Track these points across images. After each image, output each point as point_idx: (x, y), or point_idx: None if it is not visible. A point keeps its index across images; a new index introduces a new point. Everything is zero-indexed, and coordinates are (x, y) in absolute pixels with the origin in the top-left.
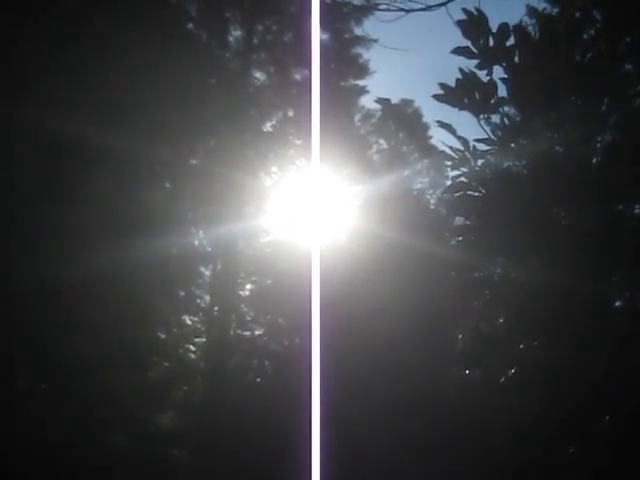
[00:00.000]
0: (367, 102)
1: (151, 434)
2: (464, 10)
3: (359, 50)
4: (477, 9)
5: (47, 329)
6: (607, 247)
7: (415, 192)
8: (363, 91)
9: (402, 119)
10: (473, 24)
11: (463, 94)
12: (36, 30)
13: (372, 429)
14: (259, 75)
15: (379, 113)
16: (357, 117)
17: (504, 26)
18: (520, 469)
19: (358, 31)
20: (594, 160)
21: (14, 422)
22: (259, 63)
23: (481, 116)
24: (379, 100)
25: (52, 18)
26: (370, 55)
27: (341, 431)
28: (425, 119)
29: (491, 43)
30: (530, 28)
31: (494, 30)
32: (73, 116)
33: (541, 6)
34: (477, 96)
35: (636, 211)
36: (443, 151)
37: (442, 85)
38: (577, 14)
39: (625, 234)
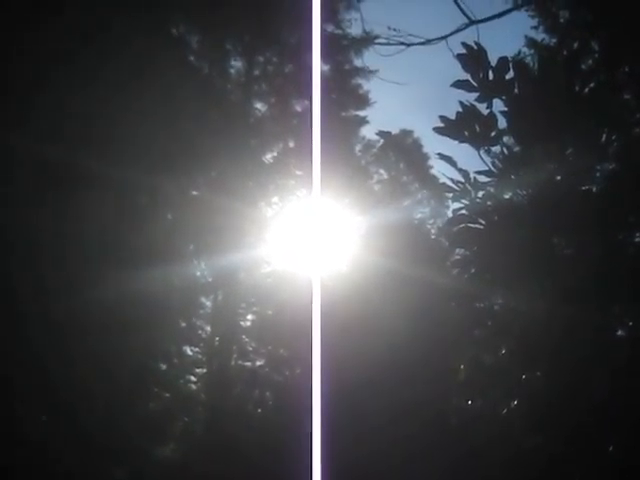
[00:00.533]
0: (367, 132)
1: (152, 466)
2: (464, 44)
3: (359, 81)
4: (476, 43)
5: (48, 359)
6: (608, 277)
7: (416, 222)
8: (363, 121)
9: (402, 149)
10: (473, 58)
11: (463, 127)
12: (31, 56)
13: (373, 460)
14: (260, 106)
15: (379, 143)
16: (358, 147)
17: (503, 60)
18: None
19: (358, 62)
20: (594, 190)
21: (14, 453)
22: (260, 94)
23: (481, 148)
24: (380, 133)
25: (54, 44)
26: (370, 86)
27: (343, 461)
28: (425, 149)
29: (491, 76)
30: (529, 59)
31: (493, 63)
32: (74, 146)
33: (539, 37)
34: (477, 129)
35: (636, 239)
36: (444, 183)
37: (442, 118)
38: (575, 44)
39: (626, 263)
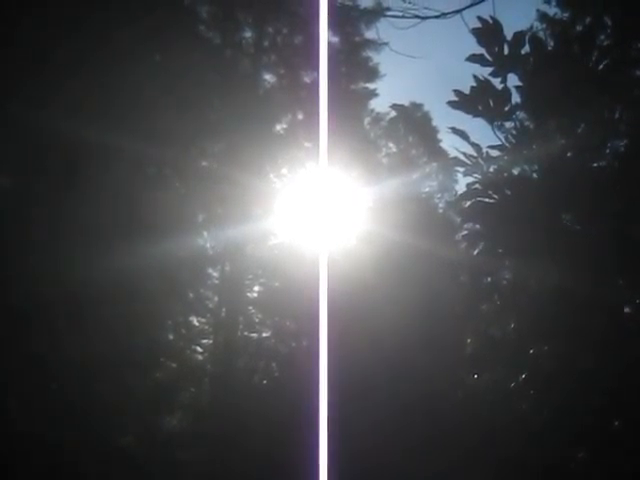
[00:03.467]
0: (377, 105)
1: (158, 435)
2: (479, 18)
3: (369, 53)
4: (492, 17)
5: (58, 329)
6: (620, 252)
7: (424, 195)
8: (373, 94)
9: (411, 123)
10: (488, 32)
11: (477, 101)
12: (41, 24)
13: (379, 431)
14: (269, 77)
15: (389, 116)
16: (367, 120)
17: (519, 35)
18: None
19: (369, 34)
20: (606, 165)
21: (21, 422)
22: (269, 65)
23: (495, 123)
24: (394, 106)
25: (60, 15)
26: (382, 59)
27: (348, 432)
28: (435, 122)
29: (506, 51)
30: (541, 33)
31: (509, 38)
32: (86, 118)
33: (552, 11)
34: (491, 103)
35: None
36: (456, 157)
37: (457, 92)
38: (588, 19)
39: (636, 239)
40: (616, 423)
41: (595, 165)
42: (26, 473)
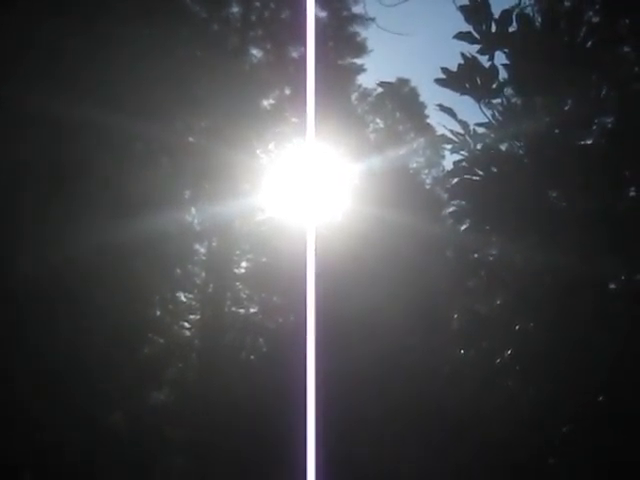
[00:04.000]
0: (364, 81)
1: (146, 410)
2: None
3: (357, 29)
4: None
5: (45, 306)
6: (605, 229)
7: (411, 171)
8: (360, 70)
9: (399, 98)
10: (476, 10)
11: (465, 79)
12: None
13: (366, 408)
14: (256, 52)
15: (376, 92)
16: (354, 96)
17: (506, 12)
18: (519, 458)
19: (357, 9)
20: (593, 143)
21: (6, 399)
22: (256, 40)
23: (482, 101)
24: (382, 83)
25: None
26: (369, 35)
27: (335, 409)
28: (422, 99)
29: (493, 29)
30: (529, 9)
31: (496, 16)
32: (73, 95)
33: None
34: (478, 81)
35: (631, 193)
36: (443, 134)
37: (444, 69)
38: None
39: (622, 216)
40: (601, 399)
41: (582, 143)
42: (11, 449)
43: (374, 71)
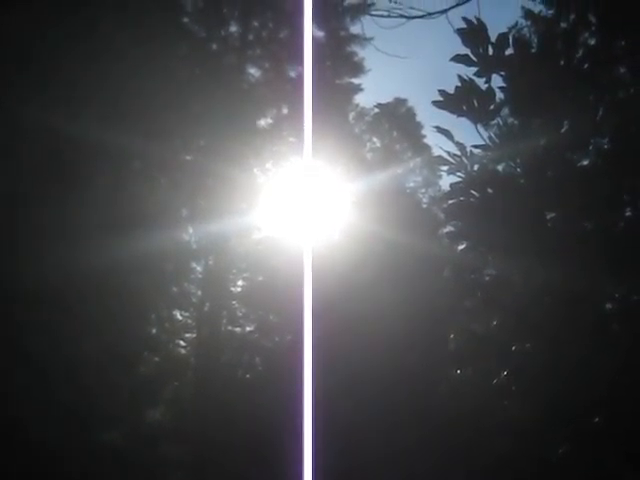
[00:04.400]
0: (362, 100)
1: (142, 430)
2: (464, 19)
3: (354, 48)
4: (477, 18)
5: (34, 326)
6: (602, 250)
7: (408, 190)
8: (358, 89)
9: (396, 118)
10: (473, 33)
11: (462, 101)
12: (26, 26)
13: (364, 426)
14: (254, 71)
15: (373, 112)
16: (351, 115)
17: (503, 36)
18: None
19: (354, 29)
20: (589, 165)
21: (4, 418)
22: (254, 59)
23: (479, 123)
24: (379, 105)
25: (42, 11)
26: (367, 55)
27: (333, 427)
28: (419, 118)
29: (490, 52)
30: (525, 30)
31: (493, 38)
32: (71, 113)
33: (537, 8)
34: (475, 103)
35: (628, 214)
36: (440, 156)
37: (441, 92)
38: (572, 17)
39: (621, 238)
40: (597, 419)
41: (579, 164)
42: (10, 469)
43: (371, 91)
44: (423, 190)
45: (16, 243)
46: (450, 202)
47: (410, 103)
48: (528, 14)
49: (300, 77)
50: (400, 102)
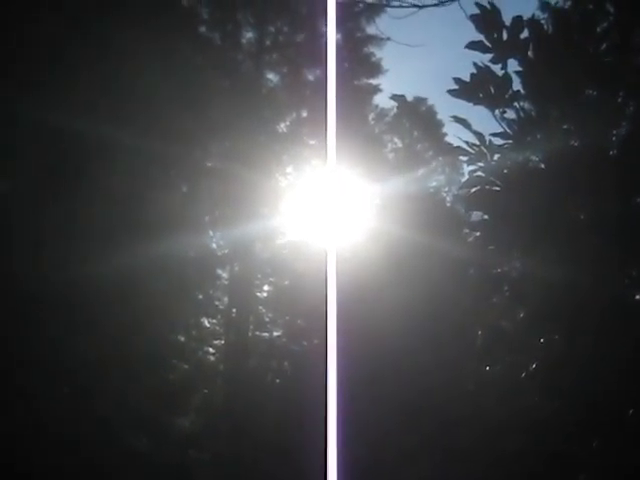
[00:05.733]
0: (381, 101)
1: (171, 437)
2: (477, 4)
3: (372, 49)
4: (490, 3)
5: (64, 333)
6: (626, 241)
7: (431, 190)
8: (377, 90)
9: (416, 117)
10: (486, 18)
11: (478, 89)
12: (45, 27)
13: (389, 429)
14: (272, 76)
15: (393, 111)
16: (371, 116)
17: (518, 19)
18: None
19: (370, 30)
20: (611, 152)
21: (34, 424)
22: (272, 64)
23: (496, 110)
24: (394, 97)
25: (64, 17)
26: (383, 53)
27: (359, 431)
28: (439, 116)
29: (505, 37)
30: (543, 22)
31: (507, 24)
32: (88, 117)
33: (553, 0)
34: (492, 90)
35: None
36: (459, 146)
37: (457, 80)
38: (590, 6)
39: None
40: (630, 411)
41: (598, 152)
42: (41, 472)
43: (391, 90)
44: (446, 189)
45: (40, 247)
46: (472, 191)
47: (430, 98)
48: (544, 5)
49: (318, 80)
50: (420, 101)
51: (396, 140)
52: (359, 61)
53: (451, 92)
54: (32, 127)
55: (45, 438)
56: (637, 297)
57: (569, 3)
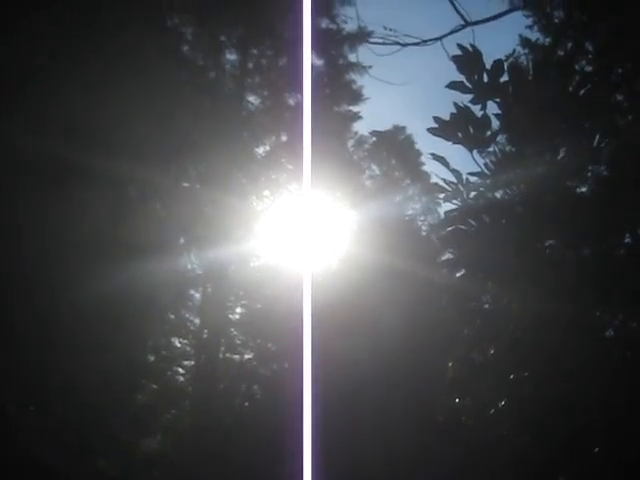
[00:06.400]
0: (360, 128)
1: (138, 459)
2: (459, 46)
3: (353, 76)
4: (472, 45)
5: (33, 353)
6: (600, 279)
7: (407, 218)
8: (356, 117)
9: (394, 146)
10: (468, 60)
11: (457, 128)
12: (20, 40)
13: (363, 455)
14: (253, 99)
15: (372, 139)
16: (350, 143)
17: (498, 63)
18: None
19: (352, 58)
20: (586, 192)
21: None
22: (253, 87)
23: (474, 150)
24: (373, 132)
25: (40, 37)
26: (364, 82)
27: (332, 458)
28: (418, 145)
29: (485, 79)
30: (523, 58)
31: (488, 65)
32: (69, 137)
33: (534, 36)
34: (471, 130)
35: (626, 240)
36: (436, 183)
37: (436, 119)
38: (570, 45)
39: (616, 264)
40: (596, 449)
41: (576, 191)
42: None
43: (370, 118)
44: (422, 218)
45: (10, 268)
46: (448, 230)
47: (409, 130)
48: (525, 42)
49: (299, 105)
50: (398, 130)
51: (374, 167)
52: (340, 88)
53: (430, 130)
54: (10, 144)
55: (7, 456)
56: (610, 334)
57: (549, 40)
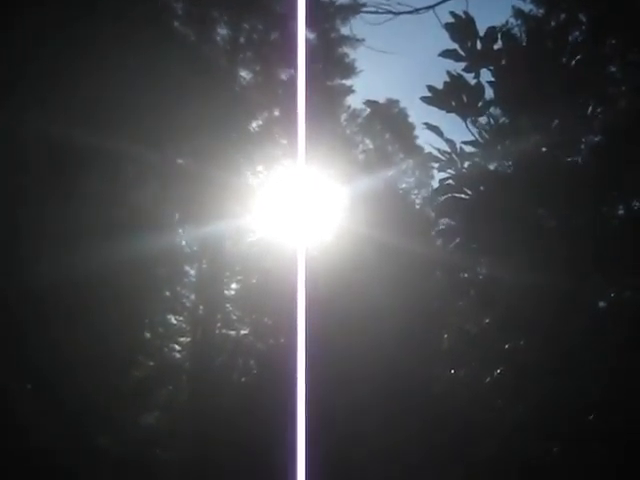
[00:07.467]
0: (353, 102)
1: (135, 434)
2: (452, 13)
3: (346, 50)
4: (465, 12)
5: (31, 329)
6: (592, 247)
7: (400, 192)
8: (349, 91)
9: (388, 119)
10: (461, 27)
11: (451, 97)
12: (17, 29)
13: (358, 427)
14: (245, 74)
15: (365, 113)
16: (343, 117)
17: (492, 30)
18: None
19: (345, 31)
20: (579, 162)
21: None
22: (245, 62)
23: (468, 119)
24: (367, 102)
25: (34, 18)
26: (357, 56)
27: (326, 430)
28: (411, 120)
29: (479, 46)
30: (516, 29)
31: (482, 33)
32: (66, 117)
33: (527, 7)
34: (464, 99)
35: (619, 212)
36: (430, 153)
37: (430, 88)
38: (563, 16)
39: (609, 234)
40: (590, 417)
41: (569, 160)
42: (5, 468)
43: (363, 92)
44: (416, 191)
45: (13, 246)
46: (442, 198)
47: (403, 102)
48: (518, 13)
49: (292, 79)
50: (392, 103)
51: (367, 141)
52: (333, 62)
53: (424, 99)
54: (9, 127)
55: (6, 435)
56: (603, 304)
57: (542, 11)
